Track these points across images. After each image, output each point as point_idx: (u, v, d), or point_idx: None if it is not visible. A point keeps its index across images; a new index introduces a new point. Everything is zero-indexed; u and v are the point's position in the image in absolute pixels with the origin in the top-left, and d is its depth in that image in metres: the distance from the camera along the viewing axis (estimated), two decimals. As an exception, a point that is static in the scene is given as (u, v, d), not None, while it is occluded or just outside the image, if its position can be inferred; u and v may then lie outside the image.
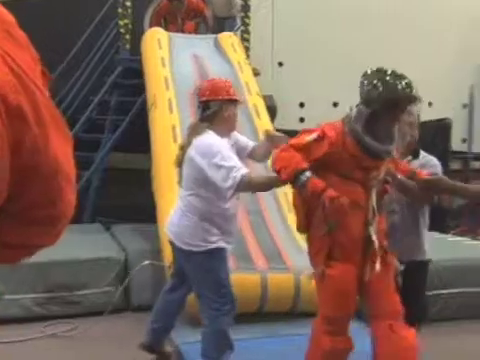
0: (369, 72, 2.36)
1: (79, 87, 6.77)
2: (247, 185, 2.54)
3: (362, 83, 2.35)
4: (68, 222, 0.76)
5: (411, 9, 8.11)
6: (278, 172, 2.33)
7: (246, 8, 6.76)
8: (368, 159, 2.35)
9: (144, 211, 4.55)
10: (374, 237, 2.37)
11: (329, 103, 8.02)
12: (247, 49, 6.55)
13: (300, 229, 2.54)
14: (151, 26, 6.45)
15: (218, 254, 2.69)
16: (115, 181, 6.22)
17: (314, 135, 2.31)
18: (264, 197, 4.43)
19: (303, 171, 2.26)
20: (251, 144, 2.88)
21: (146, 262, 4.04)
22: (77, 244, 4.64)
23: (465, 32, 8.39)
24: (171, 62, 5.58)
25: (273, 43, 7.69)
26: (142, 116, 5.41)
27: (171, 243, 2.82)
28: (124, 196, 6.24)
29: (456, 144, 8.23)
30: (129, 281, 4.14)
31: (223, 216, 2.69)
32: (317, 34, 7.73)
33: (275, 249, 4.00)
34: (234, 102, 2.76)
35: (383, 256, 2.43)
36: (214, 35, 6.38)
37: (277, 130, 5.50)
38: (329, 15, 7.87)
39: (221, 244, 2.69)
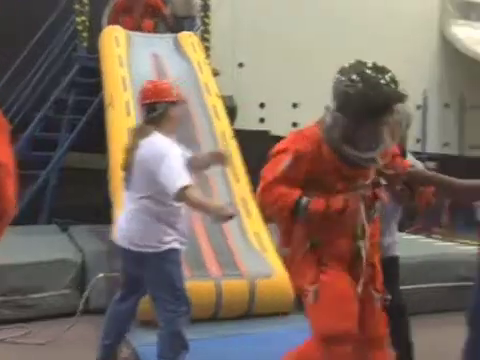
0: (347, 66, 2.05)
1: (35, 85, 6.61)
2: (186, 197, 2.56)
3: (338, 80, 2.02)
4: (10, 220, 0.75)
5: (369, 12, 8.31)
6: (275, 215, 2.17)
7: (206, 8, 6.75)
8: (348, 169, 2.09)
9: (101, 212, 4.49)
10: (363, 253, 2.13)
11: (289, 104, 8.12)
12: (207, 49, 6.55)
13: (282, 244, 2.29)
14: (109, 24, 6.35)
15: (172, 256, 2.70)
16: (72, 181, 6.11)
17: (288, 161, 2.05)
18: (220, 201, 4.44)
19: (297, 201, 2.04)
20: (188, 154, 2.90)
21: (100, 275, 3.97)
22: (33, 246, 4.56)
23: (418, 35, 8.65)
24: (129, 61, 5.52)
25: (233, 43, 7.71)
26: (99, 116, 5.33)
27: (120, 248, 2.78)
28: (81, 196, 6.13)
29: (411, 144, 8.48)
30: (86, 284, 4.07)
31: (176, 215, 2.72)
32: (278, 35, 7.80)
33: (229, 255, 4.03)
34: (178, 103, 2.80)
35: (373, 274, 2.21)
36: (174, 34, 6.34)
37: (237, 131, 5.56)
38: (290, 16, 7.96)
39: (175, 245, 2.70)
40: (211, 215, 2.61)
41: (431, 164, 8.60)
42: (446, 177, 2.21)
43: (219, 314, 3.69)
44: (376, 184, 2.17)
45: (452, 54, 8.99)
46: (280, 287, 3.68)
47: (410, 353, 3.00)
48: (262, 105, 8.06)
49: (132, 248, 2.69)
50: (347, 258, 2.16)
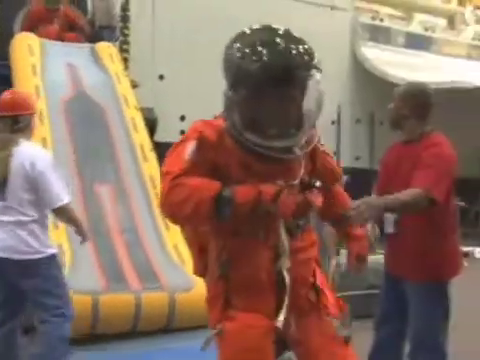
0: (248, 32, 1.64)
1: None
2: (66, 211, 2.74)
3: (238, 49, 1.61)
4: None
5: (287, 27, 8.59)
6: (189, 218, 1.60)
7: (125, 18, 6.68)
8: (257, 163, 1.60)
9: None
10: (286, 274, 1.62)
11: (210, 116, 8.16)
12: (126, 60, 6.46)
13: (196, 272, 1.88)
14: (22, 31, 6.09)
15: (57, 259, 2.78)
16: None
17: (192, 146, 1.61)
18: (140, 214, 4.42)
19: (218, 195, 1.54)
20: None
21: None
22: None
23: (331, 54, 9.07)
24: (43, 70, 5.33)
25: (154, 55, 7.67)
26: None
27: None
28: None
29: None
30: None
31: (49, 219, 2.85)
32: (198, 47, 7.86)
33: (149, 268, 4.00)
34: (34, 114, 2.94)
35: (320, 300, 1.71)
36: (91, 44, 6.20)
37: (157, 143, 5.51)
38: (210, 28, 8.05)
39: (55, 249, 2.82)
40: (81, 233, 2.81)
41: (345, 177, 9.03)
42: (391, 198, 2.15)
43: (138, 327, 3.65)
44: (307, 186, 1.66)
45: (362, 73, 9.55)
46: (200, 300, 3.67)
47: None
48: (183, 118, 8.06)
49: (16, 257, 2.66)
50: (267, 286, 1.64)
